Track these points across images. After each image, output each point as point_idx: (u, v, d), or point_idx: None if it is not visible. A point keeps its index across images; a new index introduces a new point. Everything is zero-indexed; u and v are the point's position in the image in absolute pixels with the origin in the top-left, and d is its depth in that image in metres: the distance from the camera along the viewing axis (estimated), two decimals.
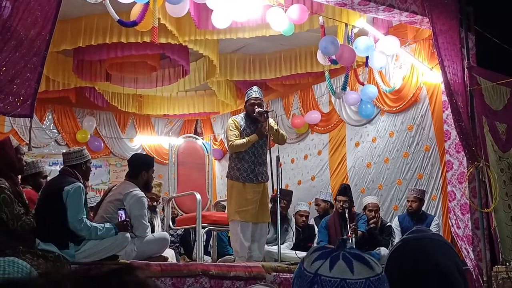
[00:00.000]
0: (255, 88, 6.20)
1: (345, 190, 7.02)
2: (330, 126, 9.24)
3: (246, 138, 5.91)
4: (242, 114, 6.20)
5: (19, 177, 5.01)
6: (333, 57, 7.06)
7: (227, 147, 5.96)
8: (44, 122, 10.47)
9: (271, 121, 6.10)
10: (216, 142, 11.22)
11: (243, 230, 5.84)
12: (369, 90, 8.02)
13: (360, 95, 8.15)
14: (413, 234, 1.64)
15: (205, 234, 6.53)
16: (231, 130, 5.99)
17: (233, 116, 6.30)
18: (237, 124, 6.01)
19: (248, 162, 5.96)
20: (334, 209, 7.38)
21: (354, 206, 7.23)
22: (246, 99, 6.16)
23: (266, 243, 6.45)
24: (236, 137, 5.94)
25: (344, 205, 6.82)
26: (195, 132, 11.50)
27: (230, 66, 9.05)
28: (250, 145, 5.92)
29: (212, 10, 6.33)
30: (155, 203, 7.16)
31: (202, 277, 5.00)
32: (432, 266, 1.54)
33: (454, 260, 1.59)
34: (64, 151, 5.59)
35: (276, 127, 6.06)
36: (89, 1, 5.56)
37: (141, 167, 5.59)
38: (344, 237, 1.30)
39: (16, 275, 1.46)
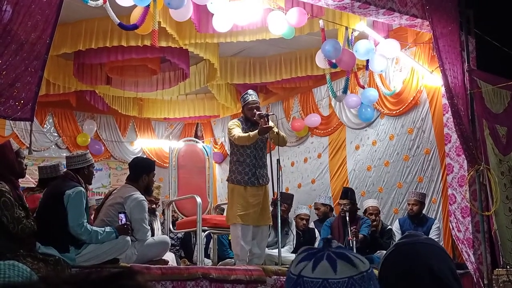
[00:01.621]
0: (250, 91, 6.16)
1: (346, 193, 7.02)
2: (330, 129, 9.24)
3: (248, 133, 5.85)
4: (240, 118, 6.18)
5: (20, 180, 5.01)
6: (333, 60, 7.07)
7: (232, 140, 5.91)
8: (45, 125, 10.47)
9: (271, 124, 6.09)
10: (216, 146, 11.22)
11: (244, 234, 5.83)
12: (370, 93, 8.02)
13: (361, 98, 8.15)
14: (406, 239, 1.64)
15: (205, 237, 6.53)
16: (233, 127, 5.91)
17: (233, 120, 6.29)
18: (238, 124, 6.00)
19: (249, 165, 5.94)
20: (335, 212, 7.37)
21: (358, 209, 7.19)
22: (243, 103, 6.11)
23: (267, 247, 6.44)
24: (240, 132, 5.89)
25: (345, 208, 6.82)
26: (196, 136, 11.49)
27: (230, 69, 9.06)
28: (253, 141, 5.82)
29: (212, 14, 6.34)
30: (154, 206, 7.15)
31: (203, 281, 5.00)
32: (426, 270, 1.53)
33: (448, 264, 1.59)
34: (68, 154, 5.58)
35: (277, 130, 6.05)
36: (90, 5, 5.57)
37: (141, 170, 5.59)
38: (328, 237, 1.30)
39: (16, 278, 1.46)
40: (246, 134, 5.82)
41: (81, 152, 5.26)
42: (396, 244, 1.63)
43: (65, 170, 5.24)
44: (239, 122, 6.02)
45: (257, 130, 5.77)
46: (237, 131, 5.87)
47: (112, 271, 0.80)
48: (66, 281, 0.78)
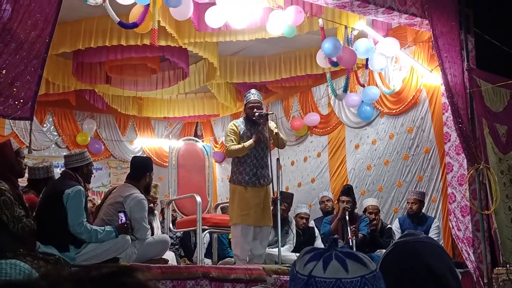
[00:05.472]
0: (253, 91, 6.20)
1: (348, 190, 7.02)
2: (329, 128, 9.24)
3: (242, 144, 5.90)
4: (242, 118, 6.22)
5: (19, 180, 5.00)
6: (334, 59, 7.06)
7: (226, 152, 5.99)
8: (44, 124, 10.46)
9: (271, 124, 6.11)
10: (216, 145, 11.22)
11: (244, 233, 5.83)
12: (371, 91, 8.01)
13: (361, 96, 8.15)
14: (405, 238, 1.64)
15: (205, 236, 6.53)
16: (228, 135, 6.02)
17: (233, 121, 6.30)
18: (236, 129, 6.01)
19: (250, 166, 5.96)
20: (335, 210, 7.36)
21: (356, 208, 7.21)
22: (245, 102, 6.16)
23: (267, 246, 6.44)
24: (233, 142, 5.95)
25: (347, 206, 6.81)
26: (195, 135, 11.49)
27: (230, 68, 9.05)
28: (247, 151, 5.90)
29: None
30: (152, 205, 7.14)
31: (203, 280, 5.00)
32: (425, 268, 1.54)
33: (447, 262, 1.59)
34: (66, 153, 5.56)
35: (276, 131, 6.05)
36: (89, 4, 5.57)
37: (144, 169, 5.60)
38: (335, 237, 1.29)
39: (17, 277, 1.46)
40: (238, 146, 5.86)
41: (79, 151, 5.25)
42: (396, 243, 1.63)
43: (63, 169, 5.24)
44: (238, 125, 6.03)
45: (252, 140, 5.82)
46: (230, 143, 5.92)
47: (112, 268, 0.80)
48: (67, 279, 0.78)
